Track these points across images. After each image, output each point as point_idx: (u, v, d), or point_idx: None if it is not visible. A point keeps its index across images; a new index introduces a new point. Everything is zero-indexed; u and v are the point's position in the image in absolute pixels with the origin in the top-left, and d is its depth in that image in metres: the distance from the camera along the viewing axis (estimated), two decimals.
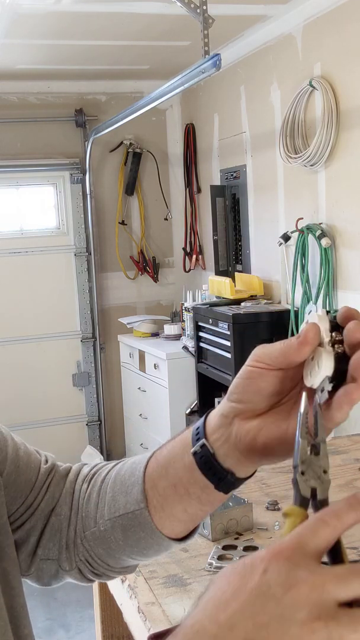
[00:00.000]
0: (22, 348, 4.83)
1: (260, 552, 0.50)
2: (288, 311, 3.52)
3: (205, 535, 1.43)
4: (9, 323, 4.80)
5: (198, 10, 2.77)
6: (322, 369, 0.62)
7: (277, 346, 0.66)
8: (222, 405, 0.71)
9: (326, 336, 0.64)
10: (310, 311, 0.68)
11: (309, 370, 0.65)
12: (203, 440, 0.71)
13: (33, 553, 0.86)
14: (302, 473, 0.57)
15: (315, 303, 3.33)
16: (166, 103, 4.50)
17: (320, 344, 0.64)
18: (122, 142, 4.89)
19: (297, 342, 0.64)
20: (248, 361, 0.68)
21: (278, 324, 3.53)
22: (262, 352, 0.67)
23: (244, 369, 0.68)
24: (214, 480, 0.71)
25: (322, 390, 0.63)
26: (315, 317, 0.66)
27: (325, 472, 0.58)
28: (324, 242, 3.22)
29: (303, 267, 3.38)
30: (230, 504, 1.49)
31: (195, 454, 0.72)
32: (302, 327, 0.66)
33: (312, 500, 0.56)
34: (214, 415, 0.72)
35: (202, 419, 0.74)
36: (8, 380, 4.74)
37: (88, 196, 4.82)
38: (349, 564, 0.50)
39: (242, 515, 1.46)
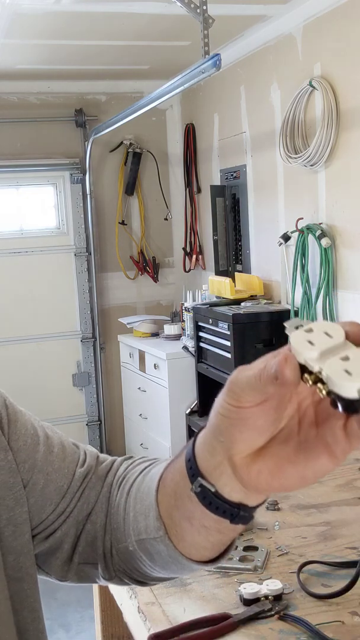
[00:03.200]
0: (22, 348, 4.83)
1: None
2: (288, 311, 3.52)
3: None
4: (9, 323, 4.80)
5: (198, 10, 2.77)
6: None
7: (250, 374, 0.57)
8: (209, 440, 0.63)
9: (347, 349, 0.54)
10: (299, 326, 0.57)
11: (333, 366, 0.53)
12: (200, 480, 0.64)
13: (69, 560, 0.82)
14: None
15: (315, 305, 3.32)
16: (166, 103, 4.50)
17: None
18: (122, 142, 4.89)
19: (269, 375, 0.55)
20: (225, 394, 0.60)
21: (278, 324, 3.53)
22: (235, 385, 0.58)
23: (222, 405, 0.60)
24: (226, 517, 0.65)
25: (349, 405, 0.53)
26: (321, 327, 0.55)
27: None
28: (324, 242, 3.21)
29: (303, 267, 3.38)
30: None
31: (196, 494, 0.65)
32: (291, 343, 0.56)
33: None
34: (202, 449, 0.65)
35: (191, 446, 0.66)
36: (8, 380, 4.74)
37: (88, 196, 4.82)
38: None
39: None
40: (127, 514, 0.78)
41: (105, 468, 0.85)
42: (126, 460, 0.86)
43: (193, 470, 0.65)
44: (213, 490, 0.63)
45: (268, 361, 0.56)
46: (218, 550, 0.72)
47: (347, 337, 0.55)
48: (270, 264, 3.89)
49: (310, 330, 0.56)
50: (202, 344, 3.91)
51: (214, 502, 0.64)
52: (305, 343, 0.55)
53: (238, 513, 0.64)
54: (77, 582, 0.85)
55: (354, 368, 0.52)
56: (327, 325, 0.56)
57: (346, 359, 0.53)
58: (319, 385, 0.54)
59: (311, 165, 3.30)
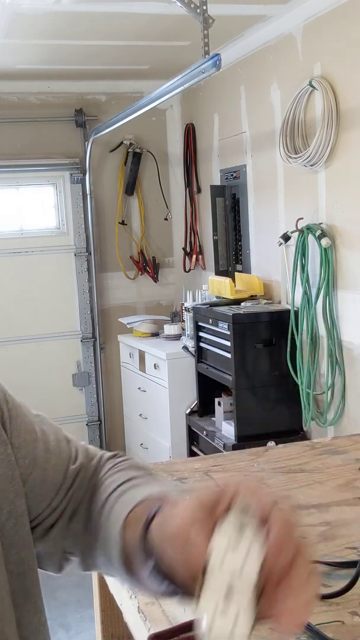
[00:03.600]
0: (22, 348, 4.83)
1: None
2: (288, 311, 3.52)
3: None
4: (9, 323, 4.80)
5: (198, 10, 2.77)
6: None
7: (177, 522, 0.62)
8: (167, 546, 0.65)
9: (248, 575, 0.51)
10: (244, 525, 0.55)
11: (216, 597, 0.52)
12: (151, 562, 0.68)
13: (65, 557, 0.85)
14: None
15: (315, 305, 3.33)
16: (166, 103, 4.50)
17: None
18: (122, 142, 4.89)
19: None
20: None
21: (278, 324, 3.53)
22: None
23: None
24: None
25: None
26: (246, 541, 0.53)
27: None
28: (324, 242, 3.22)
29: (303, 267, 3.38)
30: None
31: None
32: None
33: None
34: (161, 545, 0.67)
35: (144, 529, 0.69)
36: (8, 380, 4.71)
37: (88, 196, 4.83)
38: None
39: None
40: (99, 529, 0.80)
41: (92, 468, 0.86)
42: (110, 460, 0.87)
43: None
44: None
45: (190, 534, 0.57)
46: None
47: (264, 563, 0.52)
48: (270, 264, 3.89)
49: (239, 539, 0.53)
50: (202, 344, 3.91)
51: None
52: (222, 550, 0.53)
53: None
54: (71, 570, 0.88)
55: (229, 610, 0.50)
56: (256, 546, 0.52)
57: (231, 595, 0.51)
58: (200, 594, 0.53)
59: (311, 165, 3.30)
